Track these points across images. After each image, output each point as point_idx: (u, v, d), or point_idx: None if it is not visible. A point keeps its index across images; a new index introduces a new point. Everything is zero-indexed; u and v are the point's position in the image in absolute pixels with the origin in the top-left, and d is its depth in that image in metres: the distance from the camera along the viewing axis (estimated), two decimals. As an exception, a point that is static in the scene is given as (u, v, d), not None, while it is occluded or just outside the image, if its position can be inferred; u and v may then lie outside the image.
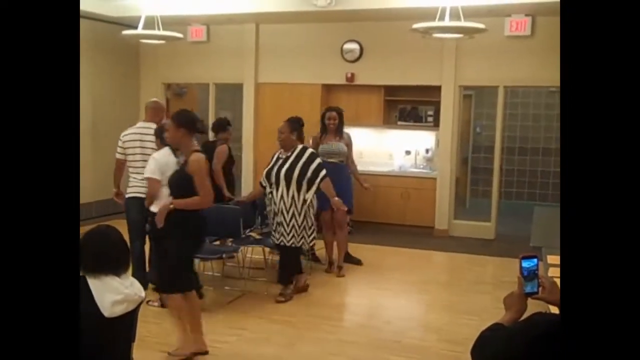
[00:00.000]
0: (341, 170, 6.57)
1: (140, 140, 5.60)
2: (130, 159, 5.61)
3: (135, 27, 7.31)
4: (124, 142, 5.69)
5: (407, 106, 8.92)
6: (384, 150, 9.07)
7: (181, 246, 4.27)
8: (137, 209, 5.32)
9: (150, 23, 7.29)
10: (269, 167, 5.71)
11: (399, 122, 8.96)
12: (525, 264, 2.06)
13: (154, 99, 6.32)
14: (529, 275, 2.05)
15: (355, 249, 7.09)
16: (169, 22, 7.83)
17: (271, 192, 5.63)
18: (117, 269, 2.67)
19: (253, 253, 6.55)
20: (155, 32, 7.34)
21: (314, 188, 5.63)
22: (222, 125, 6.74)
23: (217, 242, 5.94)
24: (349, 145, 6.88)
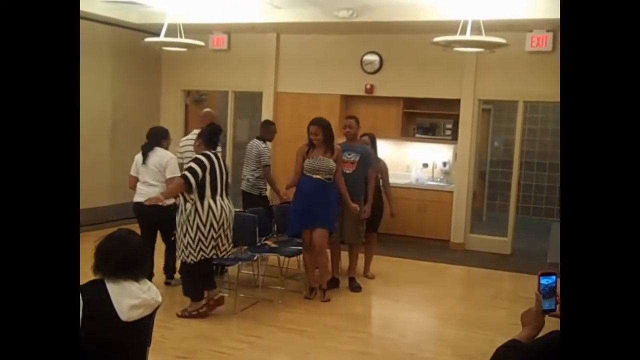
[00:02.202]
0: (324, 189, 5.79)
1: (192, 146, 5.91)
2: (186, 162, 5.69)
3: (158, 35, 7.39)
4: (180, 147, 6.55)
5: (426, 119, 8.92)
6: (401, 162, 9.06)
7: None
8: None
9: (172, 31, 7.37)
10: None
11: (417, 135, 8.96)
12: (543, 280, 2.06)
13: (207, 109, 6.92)
14: (547, 292, 2.05)
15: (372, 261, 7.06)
16: (191, 30, 7.90)
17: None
18: (135, 274, 2.70)
19: (268, 261, 6.58)
20: (177, 39, 7.41)
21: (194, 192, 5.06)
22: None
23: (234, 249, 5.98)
24: (383, 169, 6.74)
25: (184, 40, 7.43)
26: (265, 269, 6.43)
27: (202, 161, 5.12)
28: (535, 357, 1.89)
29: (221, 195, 5.23)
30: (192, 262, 5.14)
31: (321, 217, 5.82)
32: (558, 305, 2.06)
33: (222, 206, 5.18)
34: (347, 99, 9.12)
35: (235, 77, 9.54)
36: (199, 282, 5.31)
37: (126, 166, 6.24)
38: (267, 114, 9.42)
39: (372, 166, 6.41)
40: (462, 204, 8.53)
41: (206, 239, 5.10)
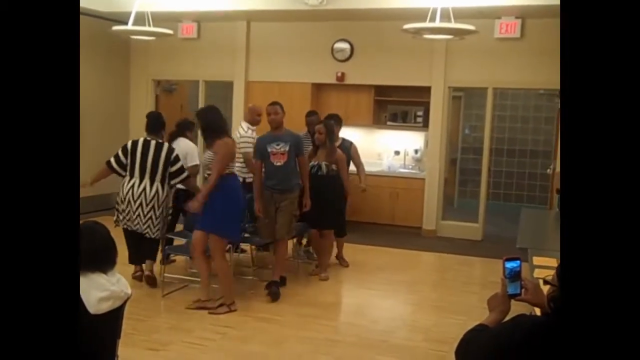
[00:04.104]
0: (218, 186, 5.17)
1: (246, 137, 6.52)
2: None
3: (126, 23, 7.28)
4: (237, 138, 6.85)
5: (397, 106, 8.95)
6: (373, 150, 9.08)
7: None
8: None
9: (140, 19, 7.26)
10: None
11: (389, 122, 8.98)
12: (508, 265, 2.08)
13: (251, 104, 7.08)
14: (512, 277, 2.08)
15: (343, 249, 7.08)
16: (160, 19, 7.81)
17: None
18: (103, 266, 2.67)
19: (240, 251, 6.57)
20: (146, 28, 7.31)
21: None
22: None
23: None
24: (342, 154, 6.46)
25: (152, 28, 7.34)
26: (237, 259, 6.42)
27: (125, 147, 5.71)
28: (502, 341, 1.92)
29: (141, 178, 5.60)
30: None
31: (201, 218, 5.24)
32: (523, 290, 2.09)
33: (133, 186, 5.60)
34: (318, 87, 9.11)
35: (206, 66, 9.46)
36: (128, 248, 5.77)
37: (95, 157, 6.19)
38: (238, 104, 9.37)
39: (303, 155, 5.90)
40: (434, 191, 8.59)
41: (121, 212, 5.68)
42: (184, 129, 6.50)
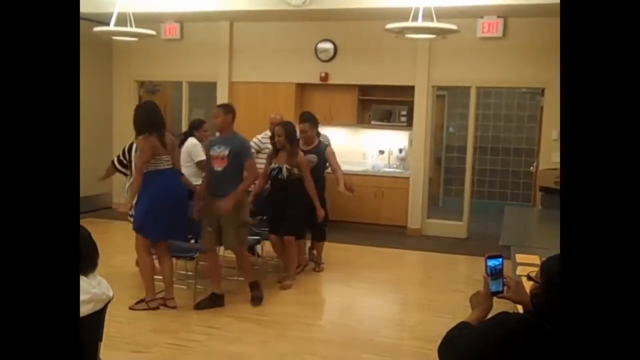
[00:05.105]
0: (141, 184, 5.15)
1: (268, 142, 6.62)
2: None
3: (107, 24, 7.23)
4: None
5: (381, 106, 8.96)
6: (357, 149, 9.10)
7: None
8: None
9: (122, 20, 7.22)
10: None
11: (373, 122, 9.00)
12: (490, 263, 2.09)
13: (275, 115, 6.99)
14: (494, 275, 2.08)
15: (329, 248, 7.08)
16: (142, 19, 7.76)
17: None
18: (84, 269, 2.64)
19: (225, 252, 6.53)
20: (128, 29, 7.26)
21: None
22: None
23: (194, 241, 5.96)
24: (329, 155, 6.45)
25: (134, 29, 7.29)
26: (222, 260, 6.38)
27: (124, 147, 6.04)
28: (484, 338, 1.92)
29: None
30: None
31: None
32: (505, 287, 2.10)
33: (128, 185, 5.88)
34: (302, 88, 9.10)
35: (189, 67, 9.42)
36: None
37: (79, 158, 6.21)
38: (222, 104, 9.32)
39: (249, 159, 5.39)
40: (419, 190, 8.61)
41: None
42: (192, 129, 6.67)
